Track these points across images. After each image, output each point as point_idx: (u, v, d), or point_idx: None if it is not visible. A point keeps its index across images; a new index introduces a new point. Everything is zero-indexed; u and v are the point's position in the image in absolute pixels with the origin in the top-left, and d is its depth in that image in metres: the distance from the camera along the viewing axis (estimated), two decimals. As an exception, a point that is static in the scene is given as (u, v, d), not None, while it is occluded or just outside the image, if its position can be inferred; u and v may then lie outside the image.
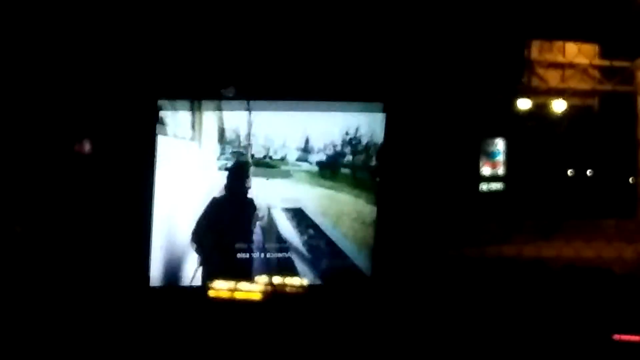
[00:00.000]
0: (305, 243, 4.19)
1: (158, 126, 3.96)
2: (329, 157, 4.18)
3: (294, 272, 4.17)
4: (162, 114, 3.97)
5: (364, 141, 4.20)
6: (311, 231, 4.19)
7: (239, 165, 4.06)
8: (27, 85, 4.42)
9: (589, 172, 14.96)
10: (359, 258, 4.22)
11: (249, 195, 4.07)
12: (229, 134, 4.06)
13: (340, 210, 4.20)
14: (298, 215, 4.17)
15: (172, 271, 4.04)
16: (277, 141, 4.11)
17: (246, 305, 4.11)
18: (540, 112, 11.88)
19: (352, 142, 4.19)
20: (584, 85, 11.65)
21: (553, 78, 11.37)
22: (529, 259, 5.55)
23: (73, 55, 4.45)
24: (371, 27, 4.66)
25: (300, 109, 4.14)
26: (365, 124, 4.17)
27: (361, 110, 4.17)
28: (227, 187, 4.03)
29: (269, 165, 4.11)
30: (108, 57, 4.45)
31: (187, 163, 4.02)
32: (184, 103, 4.02)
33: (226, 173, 4.05)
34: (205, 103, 4.06)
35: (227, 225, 4.06)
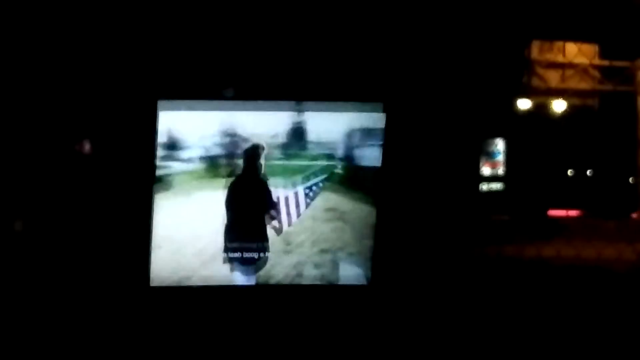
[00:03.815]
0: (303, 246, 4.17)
1: (159, 126, 3.97)
2: (327, 159, 4.16)
3: (294, 275, 4.16)
4: (162, 114, 3.98)
5: (363, 142, 4.19)
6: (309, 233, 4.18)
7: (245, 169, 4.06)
8: (27, 85, 4.42)
9: (589, 172, 14.97)
10: (358, 264, 4.19)
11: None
12: (227, 134, 4.06)
13: (338, 213, 4.18)
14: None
15: (173, 271, 4.04)
16: (272, 142, 4.09)
17: (246, 306, 4.11)
18: (540, 112, 11.89)
19: (351, 143, 4.17)
20: (584, 85, 11.65)
21: (553, 78, 11.37)
22: (529, 259, 5.55)
23: (73, 55, 4.45)
24: (371, 27, 4.66)
25: (298, 109, 4.13)
26: (364, 124, 4.17)
27: (361, 111, 4.16)
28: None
29: (268, 166, 4.11)
30: (108, 57, 4.45)
31: (188, 164, 4.02)
32: (184, 103, 4.02)
33: (227, 175, 4.05)
34: (204, 103, 4.06)
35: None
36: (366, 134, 4.15)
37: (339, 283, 4.15)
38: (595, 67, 11.45)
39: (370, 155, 4.16)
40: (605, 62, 11.13)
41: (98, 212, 4.31)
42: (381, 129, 4.14)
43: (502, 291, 4.51)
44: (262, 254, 4.08)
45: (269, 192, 4.09)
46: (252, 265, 4.08)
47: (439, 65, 4.75)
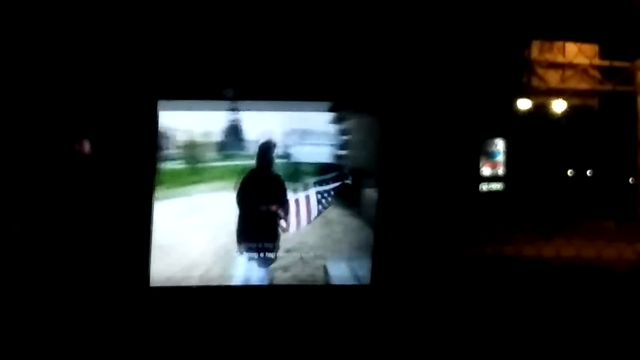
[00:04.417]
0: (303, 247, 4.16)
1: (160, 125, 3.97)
2: (325, 159, 4.15)
3: (292, 275, 4.14)
4: (162, 114, 3.98)
5: (362, 143, 4.17)
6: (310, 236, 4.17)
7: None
8: (28, 85, 4.42)
9: (589, 172, 14.98)
10: (357, 265, 4.18)
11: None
12: (227, 134, 4.06)
13: (338, 216, 4.17)
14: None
15: (173, 271, 4.04)
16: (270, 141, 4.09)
17: (246, 307, 4.11)
18: (540, 112, 11.89)
19: (348, 145, 4.16)
20: (584, 85, 11.66)
21: (553, 78, 11.38)
22: (529, 259, 5.56)
23: (73, 55, 4.46)
24: (372, 27, 4.66)
25: (297, 109, 4.13)
26: (362, 125, 4.16)
27: (357, 111, 4.15)
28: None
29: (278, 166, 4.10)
30: (108, 58, 4.45)
31: (189, 164, 4.03)
32: (184, 103, 4.02)
33: (227, 176, 4.05)
34: (204, 103, 4.06)
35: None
36: (368, 137, 4.14)
37: (336, 283, 4.14)
38: (595, 67, 11.46)
39: (370, 158, 4.15)
40: (605, 62, 11.14)
41: (98, 212, 4.32)
42: (378, 131, 4.12)
43: (501, 291, 4.52)
44: (268, 254, 4.07)
45: (280, 190, 4.06)
46: (255, 264, 4.07)
47: (439, 66, 4.76)
